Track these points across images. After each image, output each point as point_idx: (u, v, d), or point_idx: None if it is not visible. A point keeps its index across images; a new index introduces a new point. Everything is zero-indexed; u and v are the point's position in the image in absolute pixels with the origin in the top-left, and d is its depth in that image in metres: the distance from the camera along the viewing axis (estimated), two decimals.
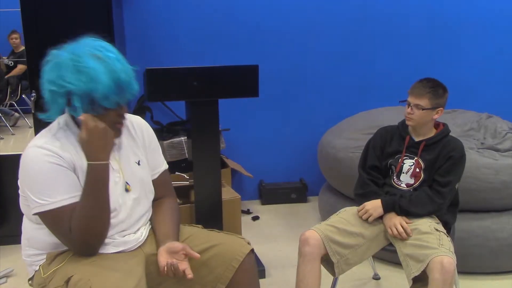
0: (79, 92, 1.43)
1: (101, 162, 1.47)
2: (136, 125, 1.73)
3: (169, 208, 1.77)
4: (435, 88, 2.15)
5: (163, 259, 1.58)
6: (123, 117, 1.55)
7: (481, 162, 2.69)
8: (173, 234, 1.67)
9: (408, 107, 2.18)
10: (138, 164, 1.68)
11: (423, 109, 2.15)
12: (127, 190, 1.62)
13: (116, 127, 1.54)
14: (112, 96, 1.44)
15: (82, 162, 1.51)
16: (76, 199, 1.48)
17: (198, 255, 1.59)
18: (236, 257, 1.65)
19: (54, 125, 1.56)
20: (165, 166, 1.83)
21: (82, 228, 1.46)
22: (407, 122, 2.23)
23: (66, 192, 1.46)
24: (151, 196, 1.73)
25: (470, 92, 4.12)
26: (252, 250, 1.71)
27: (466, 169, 2.23)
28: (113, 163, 1.59)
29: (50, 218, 1.47)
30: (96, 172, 1.47)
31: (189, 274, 1.54)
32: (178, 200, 2.81)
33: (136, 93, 1.54)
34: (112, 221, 1.55)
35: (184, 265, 1.57)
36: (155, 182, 1.75)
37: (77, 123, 1.54)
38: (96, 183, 1.47)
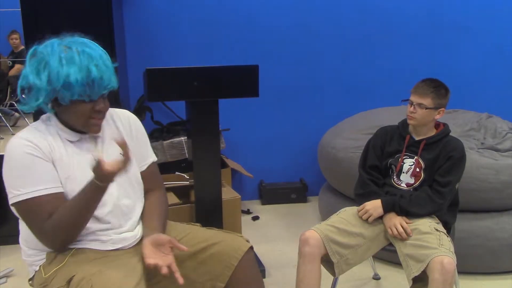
0: (42, 87, 1.46)
1: (105, 184, 1.47)
2: (123, 117, 1.74)
3: (157, 201, 1.76)
4: (438, 88, 2.16)
5: (148, 251, 1.55)
6: (98, 112, 1.54)
7: (481, 162, 2.69)
8: (159, 226, 1.66)
9: (411, 106, 2.19)
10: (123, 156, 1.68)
11: (426, 108, 2.15)
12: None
13: (91, 123, 1.55)
14: (77, 88, 1.45)
15: (60, 154, 1.52)
16: (52, 191, 1.48)
17: (185, 247, 1.57)
18: (234, 255, 1.64)
19: (39, 119, 1.61)
20: (153, 158, 1.83)
21: (61, 227, 1.47)
22: (409, 121, 2.22)
23: (41, 183, 1.47)
24: (139, 187, 1.72)
25: (470, 92, 4.11)
26: (252, 248, 1.70)
27: (466, 169, 2.23)
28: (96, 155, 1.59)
29: (24, 209, 1.48)
30: (97, 191, 1.47)
31: (180, 279, 1.51)
32: (178, 200, 2.82)
33: (112, 87, 1.54)
34: (98, 212, 1.55)
35: (169, 260, 1.54)
36: (143, 174, 1.75)
37: (59, 117, 1.57)
38: (92, 199, 1.48)
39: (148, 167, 1.79)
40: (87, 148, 1.60)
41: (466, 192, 2.59)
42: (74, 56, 1.46)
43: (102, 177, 1.43)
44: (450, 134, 2.25)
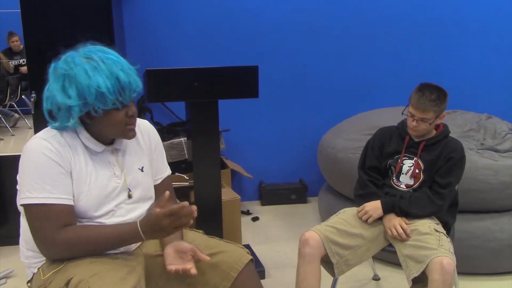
0: (74, 104, 1.43)
1: (144, 238, 1.48)
2: (143, 129, 1.72)
3: None
4: (438, 100, 2.11)
5: (170, 259, 1.57)
6: (132, 117, 1.53)
7: (481, 163, 2.69)
8: (178, 234, 1.66)
9: (414, 121, 2.15)
10: (142, 170, 1.66)
11: (429, 122, 2.14)
12: (130, 196, 1.61)
13: (127, 129, 1.53)
14: (111, 96, 1.42)
15: (79, 168, 1.50)
16: (65, 202, 1.46)
17: (207, 257, 1.58)
18: (235, 267, 1.63)
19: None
20: (168, 172, 1.82)
21: (77, 247, 1.46)
22: (412, 133, 2.22)
23: (56, 191, 1.44)
24: (150, 202, 1.71)
25: (470, 92, 4.11)
26: (252, 260, 1.69)
27: (466, 169, 2.23)
28: (116, 168, 1.58)
29: (36, 213, 1.44)
30: (136, 239, 1.48)
31: (192, 269, 1.53)
32: (178, 201, 2.81)
33: (139, 90, 1.52)
34: (107, 221, 1.54)
35: (190, 265, 1.55)
36: (156, 187, 1.74)
37: (87, 128, 1.54)
38: (125, 242, 1.50)
39: (162, 181, 1.78)
40: (109, 160, 1.58)
41: (465, 193, 2.58)
42: (98, 65, 1.42)
43: (152, 235, 1.45)
44: (450, 135, 2.25)
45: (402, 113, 2.25)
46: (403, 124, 2.29)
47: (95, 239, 1.46)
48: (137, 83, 1.49)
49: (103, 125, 1.50)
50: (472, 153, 2.73)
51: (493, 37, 4.10)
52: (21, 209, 1.52)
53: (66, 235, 1.44)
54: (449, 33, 4.04)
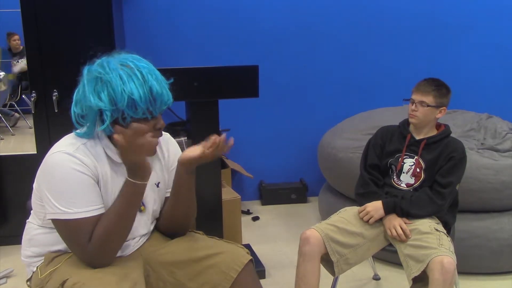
0: (107, 108, 1.40)
1: (142, 182, 1.44)
2: (163, 142, 1.70)
3: None
4: (439, 87, 2.18)
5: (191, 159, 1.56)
6: (159, 130, 1.50)
7: (481, 163, 2.68)
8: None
9: (412, 105, 2.20)
10: (157, 186, 1.66)
11: (427, 106, 2.16)
12: (141, 210, 1.61)
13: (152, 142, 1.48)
14: (142, 105, 1.40)
15: (104, 177, 1.49)
16: (97, 212, 1.45)
17: (230, 142, 1.56)
18: (234, 267, 1.61)
19: (75, 133, 1.53)
20: None
21: (102, 241, 1.42)
22: (411, 120, 2.22)
23: (90, 204, 1.43)
24: (155, 217, 1.71)
25: (470, 92, 4.10)
26: (252, 260, 1.67)
27: (466, 169, 2.22)
28: None
29: (69, 227, 1.43)
30: (134, 190, 1.44)
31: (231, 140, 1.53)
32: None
33: (170, 103, 1.50)
34: None
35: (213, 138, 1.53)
36: (166, 200, 1.72)
37: (109, 136, 1.51)
38: (131, 202, 1.45)
39: None
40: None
41: (466, 193, 2.58)
42: (133, 73, 1.40)
43: (136, 170, 1.41)
44: (451, 135, 2.26)
45: (404, 100, 2.27)
46: (405, 122, 2.31)
47: (110, 220, 1.43)
48: (169, 96, 1.48)
49: None
50: (473, 153, 2.72)
51: (494, 36, 4.10)
52: (40, 215, 1.51)
53: (94, 240, 1.43)
54: (450, 32, 4.04)
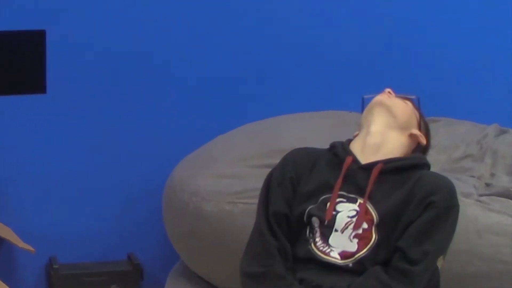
0: None
1: None
2: None
3: None
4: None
5: None
6: None
7: (486, 222, 1.85)
8: None
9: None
10: None
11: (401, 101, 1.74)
12: None
13: None
14: None
15: None
16: None
17: None
18: None
19: None
20: None
21: None
22: (383, 101, 1.66)
23: None
24: None
25: (469, 91, 3.16)
26: None
27: (457, 233, 1.60)
28: None
29: None
30: None
31: None
32: None
33: None
34: None
35: None
36: None
37: None
38: None
39: None
40: None
41: (456, 279, 1.77)
42: None
43: None
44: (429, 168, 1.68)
45: (365, 97, 1.76)
46: (343, 143, 1.66)
47: None
48: None
49: None
50: (470, 203, 1.87)
51: (494, 35, 3.38)
52: None
53: None
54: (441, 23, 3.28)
